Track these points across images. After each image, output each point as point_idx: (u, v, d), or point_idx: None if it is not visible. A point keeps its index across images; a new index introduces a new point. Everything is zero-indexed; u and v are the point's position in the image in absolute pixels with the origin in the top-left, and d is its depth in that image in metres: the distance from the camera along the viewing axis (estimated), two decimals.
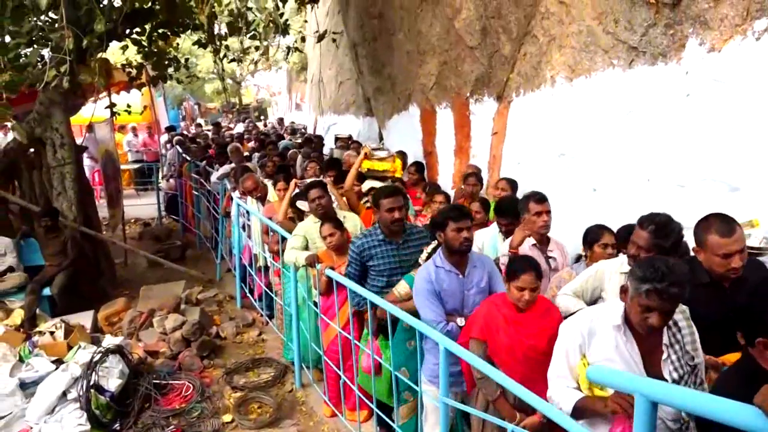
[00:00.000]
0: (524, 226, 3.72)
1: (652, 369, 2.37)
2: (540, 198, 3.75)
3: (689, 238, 2.93)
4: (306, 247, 4.57)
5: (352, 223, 4.72)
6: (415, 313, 3.25)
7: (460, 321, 3.20)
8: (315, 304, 4.44)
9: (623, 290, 2.40)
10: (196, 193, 9.48)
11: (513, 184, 4.96)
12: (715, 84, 3.57)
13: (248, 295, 6.71)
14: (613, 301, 2.55)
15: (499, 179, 5.14)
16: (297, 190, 5.50)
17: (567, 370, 2.48)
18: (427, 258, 3.64)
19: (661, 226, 2.97)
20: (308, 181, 5.52)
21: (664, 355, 2.39)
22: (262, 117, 29.58)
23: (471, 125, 6.58)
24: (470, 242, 3.22)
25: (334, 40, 10.24)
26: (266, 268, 6.02)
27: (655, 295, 2.25)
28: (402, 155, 6.58)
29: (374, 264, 3.83)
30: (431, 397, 3.04)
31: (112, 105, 7.73)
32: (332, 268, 4.12)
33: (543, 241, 3.81)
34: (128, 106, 8.28)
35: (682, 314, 2.47)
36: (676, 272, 2.26)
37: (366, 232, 3.93)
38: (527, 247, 3.72)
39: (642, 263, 2.36)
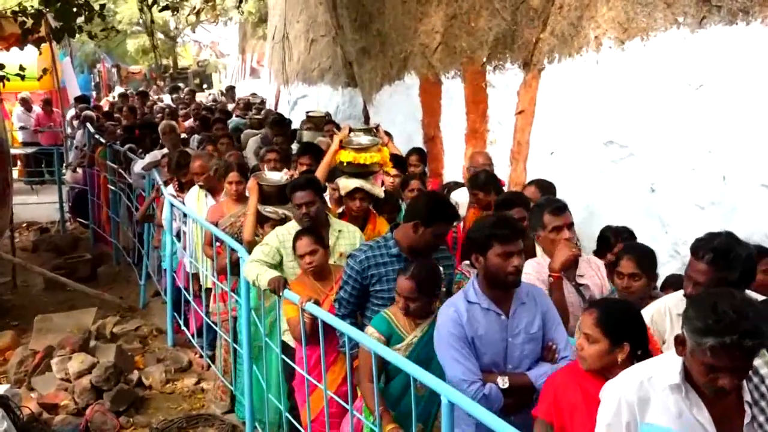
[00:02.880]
0: (558, 247, 3.82)
1: None
2: (558, 207, 3.88)
3: None
4: (279, 264, 4.53)
5: (350, 241, 4.64)
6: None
7: (502, 381, 3.15)
8: (285, 346, 4.43)
9: (679, 342, 2.37)
10: (113, 188, 9.47)
11: (547, 187, 5.05)
12: None
13: (183, 328, 6.71)
14: (668, 353, 2.51)
15: (527, 184, 5.18)
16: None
17: None
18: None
19: (723, 254, 3.02)
20: (273, 176, 5.48)
21: (747, 418, 2.36)
22: (205, 85, 29.37)
23: (488, 101, 6.62)
24: (520, 273, 3.21)
25: None
26: (209, 291, 6.01)
27: (723, 353, 2.20)
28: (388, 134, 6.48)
29: (380, 288, 3.83)
30: None
31: None
32: (317, 302, 4.00)
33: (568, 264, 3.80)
34: (21, 68, 8.22)
35: (761, 359, 2.47)
36: (749, 315, 2.19)
37: (373, 244, 3.94)
38: (544, 276, 3.74)
39: (698, 304, 2.31)
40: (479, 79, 6.70)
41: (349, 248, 4.45)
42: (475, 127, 6.86)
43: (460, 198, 5.52)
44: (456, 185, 6.02)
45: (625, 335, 2.75)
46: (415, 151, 6.69)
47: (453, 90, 7.20)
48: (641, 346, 2.80)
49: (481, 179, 5.19)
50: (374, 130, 5.70)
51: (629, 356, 2.75)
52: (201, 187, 6.38)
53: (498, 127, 6.54)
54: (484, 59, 6.57)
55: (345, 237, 4.62)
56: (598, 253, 4.27)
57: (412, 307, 3.50)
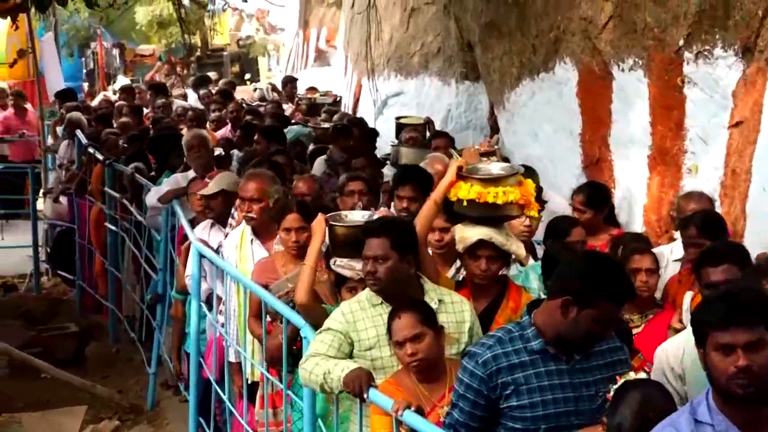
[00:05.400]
0: None
1: None
2: None
3: None
4: (349, 356, 4.08)
5: (456, 318, 4.19)
6: None
7: None
8: None
9: None
10: (112, 227, 8.71)
11: None
12: None
13: None
14: None
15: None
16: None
17: None
18: None
19: None
20: (355, 216, 4.92)
21: None
22: (247, 75, 27.31)
23: (686, 106, 6.00)
24: (758, 379, 2.66)
25: None
26: (254, 388, 5.42)
27: None
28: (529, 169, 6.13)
29: (519, 404, 3.33)
30: None
31: None
32: (420, 411, 3.51)
33: None
34: None
35: None
36: None
37: (502, 335, 3.50)
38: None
39: None
40: (673, 71, 6.07)
41: (455, 328, 4.08)
42: (665, 145, 6.24)
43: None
44: (637, 240, 5.24)
45: None
46: (587, 187, 5.95)
47: (630, 88, 6.52)
48: None
49: (697, 222, 4.69)
50: (496, 144, 5.66)
51: None
52: (248, 221, 5.60)
53: (701, 146, 5.93)
54: (681, 42, 5.96)
55: (448, 311, 4.10)
56: None
57: None
